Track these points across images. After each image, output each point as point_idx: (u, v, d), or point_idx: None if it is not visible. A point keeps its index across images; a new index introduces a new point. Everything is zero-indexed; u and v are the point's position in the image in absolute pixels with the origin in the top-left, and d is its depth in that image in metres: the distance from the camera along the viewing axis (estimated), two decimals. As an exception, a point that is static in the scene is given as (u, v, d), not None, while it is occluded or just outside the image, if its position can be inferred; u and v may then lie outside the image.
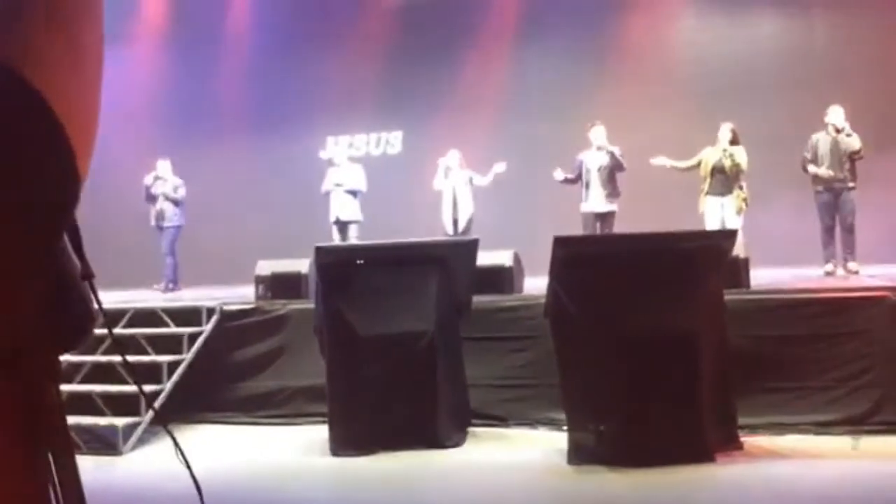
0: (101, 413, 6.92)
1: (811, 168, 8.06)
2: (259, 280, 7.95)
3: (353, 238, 9.36)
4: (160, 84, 12.76)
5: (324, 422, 6.53)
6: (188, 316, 7.69)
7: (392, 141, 12.18)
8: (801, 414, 5.85)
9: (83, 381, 7.20)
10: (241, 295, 8.18)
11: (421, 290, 6.45)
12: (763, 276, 7.38)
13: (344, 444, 6.24)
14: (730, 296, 6.17)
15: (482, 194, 9.43)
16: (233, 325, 7.69)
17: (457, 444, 6.36)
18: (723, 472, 5.41)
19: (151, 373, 7.01)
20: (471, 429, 6.70)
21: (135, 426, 6.70)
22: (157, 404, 6.71)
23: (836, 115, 8.04)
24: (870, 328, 6.02)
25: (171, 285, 9.92)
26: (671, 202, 9.23)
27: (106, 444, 6.57)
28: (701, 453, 5.54)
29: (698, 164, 8.40)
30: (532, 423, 6.81)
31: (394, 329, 6.28)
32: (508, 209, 10.26)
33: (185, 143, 11.88)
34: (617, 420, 5.66)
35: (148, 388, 6.89)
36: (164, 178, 9.82)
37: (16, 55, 0.69)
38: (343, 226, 9.51)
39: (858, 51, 10.04)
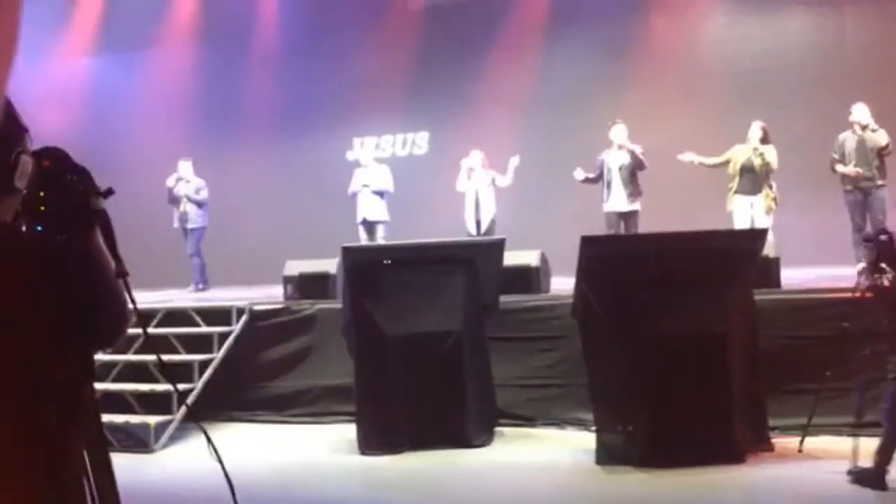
0: (133, 411, 7.03)
1: (839, 168, 7.95)
2: (287, 280, 8.02)
3: (381, 238, 9.39)
4: (189, 86, 12.89)
5: (352, 421, 6.57)
6: (218, 316, 7.77)
7: (418, 142, 12.21)
8: (832, 415, 5.76)
9: (116, 380, 7.31)
10: (269, 295, 8.25)
11: (448, 289, 6.46)
12: (793, 276, 7.30)
13: (372, 443, 6.27)
14: (760, 296, 6.11)
15: (506, 194, 9.40)
16: (262, 325, 7.76)
17: (484, 444, 6.36)
18: (753, 474, 5.36)
19: (183, 372, 7.10)
20: (498, 428, 6.70)
21: (167, 424, 6.79)
22: (188, 402, 6.80)
23: (860, 112, 7.92)
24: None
25: (200, 286, 10.03)
26: (697, 201, 9.15)
27: (138, 441, 6.66)
28: (731, 454, 5.50)
29: (726, 162, 8.29)
30: (559, 423, 6.80)
31: (421, 329, 6.30)
32: (532, 209, 10.24)
33: (214, 145, 12.01)
34: (645, 421, 5.63)
35: (180, 387, 6.96)
36: (187, 180, 9.87)
37: None
38: (370, 226, 9.55)
39: (891, 48, 9.87)
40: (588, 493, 5.31)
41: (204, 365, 7.32)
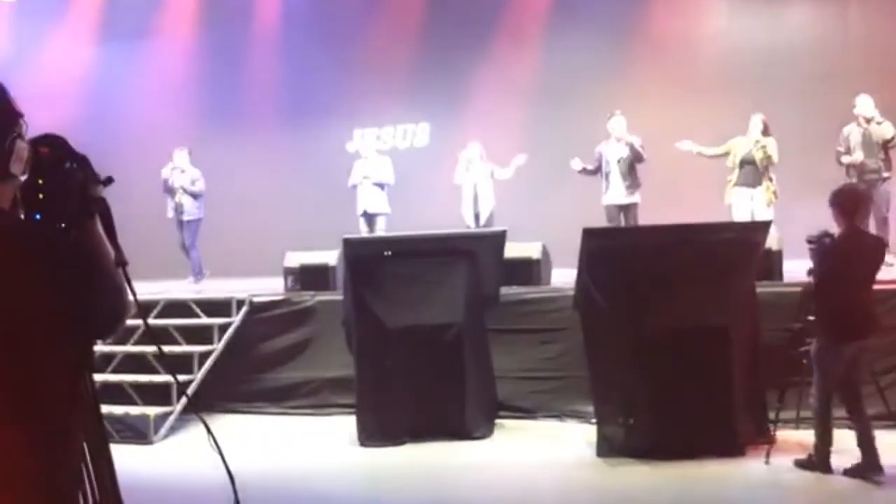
0: (132, 403, 7.02)
1: (844, 159, 7.91)
2: (288, 272, 8.00)
3: (381, 230, 9.36)
4: (190, 76, 12.83)
5: (352, 413, 6.56)
6: (218, 307, 7.76)
7: (419, 133, 12.16)
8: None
9: (115, 371, 7.30)
10: (270, 286, 8.23)
11: (448, 281, 6.45)
12: (796, 269, 7.26)
13: (372, 434, 6.27)
14: (763, 288, 6.09)
15: (506, 186, 9.36)
16: (262, 317, 7.74)
17: (484, 436, 6.36)
18: (753, 466, 5.35)
19: (183, 363, 7.09)
20: (498, 420, 6.69)
21: (166, 416, 6.78)
22: (189, 393, 6.79)
23: (864, 104, 7.89)
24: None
25: (199, 277, 9.97)
26: (696, 193, 9.11)
27: (137, 433, 6.66)
28: (731, 447, 5.50)
29: (725, 154, 8.25)
30: (560, 415, 6.79)
31: (421, 321, 6.28)
32: (532, 201, 10.19)
33: (214, 136, 11.95)
34: (646, 413, 5.63)
35: (179, 378, 6.96)
36: (182, 170, 9.73)
37: None
38: (371, 218, 9.51)
39: (894, 41, 9.81)
40: (589, 485, 5.31)
41: (204, 356, 7.31)
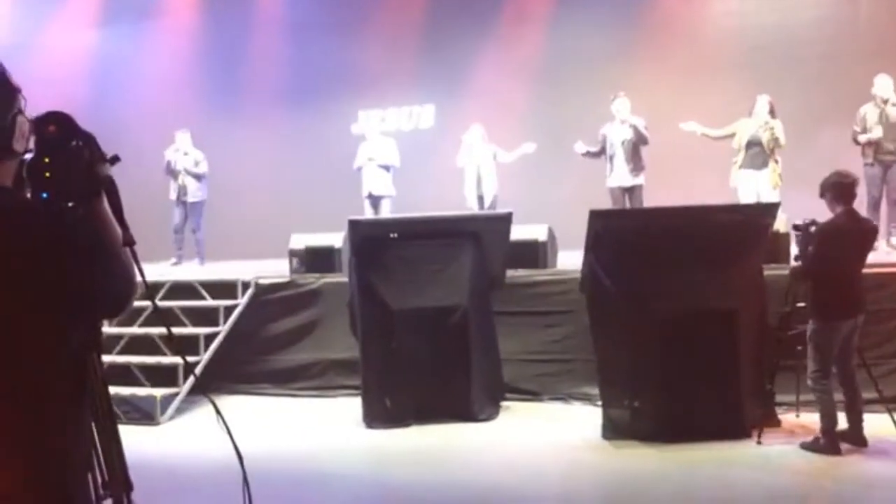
0: (139, 384, 7.05)
1: (861, 137, 7.85)
2: (293, 254, 7.99)
3: (386, 212, 9.33)
4: (193, 57, 12.77)
5: (357, 394, 6.58)
6: (224, 289, 7.77)
7: (424, 115, 12.10)
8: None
9: (122, 353, 7.32)
10: (275, 269, 8.23)
11: (454, 264, 6.43)
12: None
13: (377, 416, 6.28)
14: (770, 271, 6.06)
15: (512, 168, 9.32)
16: (268, 299, 7.75)
17: (490, 418, 6.37)
18: (759, 449, 5.35)
19: (189, 344, 7.11)
20: (504, 403, 6.70)
21: (173, 397, 6.81)
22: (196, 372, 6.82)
23: (882, 85, 7.82)
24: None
25: (204, 259, 9.94)
26: (702, 175, 9.05)
27: (144, 414, 6.69)
28: (737, 430, 5.50)
29: (731, 135, 8.18)
30: (566, 397, 6.80)
31: (427, 303, 6.28)
32: (538, 183, 10.15)
33: (218, 117, 11.92)
34: (652, 396, 5.62)
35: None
36: (185, 152, 9.70)
37: None
38: (375, 200, 9.48)
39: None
40: (594, 467, 5.31)
41: (210, 338, 7.33)
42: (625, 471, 5.19)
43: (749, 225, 5.91)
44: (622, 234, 5.87)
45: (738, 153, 8.08)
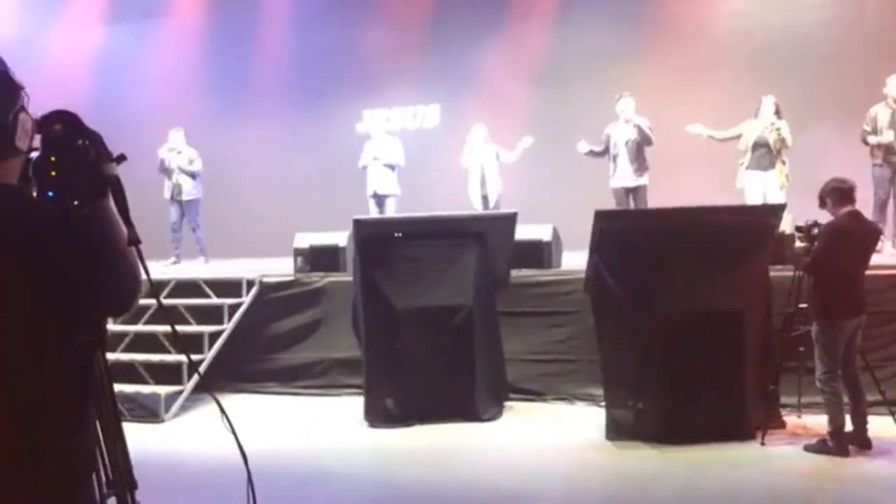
0: (144, 382, 7.06)
1: (871, 139, 7.83)
2: (298, 252, 8.00)
3: (391, 212, 9.33)
4: (199, 56, 12.79)
5: (360, 393, 6.59)
6: (229, 287, 7.78)
7: (429, 115, 12.10)
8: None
9: (127, 350, 7.34)
10: (279, 267, 8.24)
11: (459, 263, 6.43)
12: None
13: (380, 415, 6.28)
14: (775, 272, 6.05)
15: (516, 168, 9.31)
16: (272, 297, 7.76)
17: (493, 418, 6.36)
18: (763, 451, 5.34)
19: (193, 343, 7.12)
20: (508, 403, 6.70)
21: (177, 395, 6.82)
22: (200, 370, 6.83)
23: (895, 86, 7.80)
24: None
25: (207, 256, 9.94)
26: (709, 176, 9.03)
27: (149, 411, 6.70)
28: (742, 431, 5.49)
29: (737, 137, 8.16)
30: (569, 398, 6.80)
31: (431, 302, 6.28)
32: (542, 183, 10.15)
33: (224, 116, 11.94)
34: (656, 396, 5.61)
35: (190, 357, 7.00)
36: (178, 150, 9.67)
37: None
38: (380, 199, 9.49)
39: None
40: (597, 468, 5.31)
41: (214, 336, 7.34)
42: (628, 472, 5.18)
43: (754, 226, 5.90)
44: (627, 234, 5.86)
45: (744, 154, 8.06)
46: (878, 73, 8.06)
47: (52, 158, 1.59)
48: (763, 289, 5.81)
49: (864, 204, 7.87)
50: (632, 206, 8.40)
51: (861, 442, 5.18)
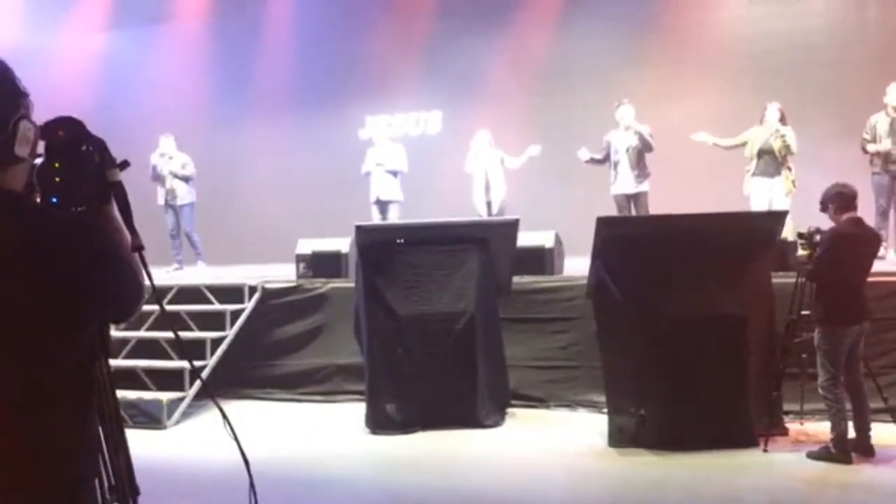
0: (146, 388, 7.05)
1: (870, 147, 7.84)
2: (300, 259, 8.01)
3: (394, 218, 9.34)
4: (201, 62, 12.84)
5: (362, 400, 6.57)
6: (230, 293, 7.78)
7: (431, 120, 12.13)
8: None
9: (129, 357, 7.34)
10: (282, 273, 8.24)
11: (461, 270, 6.43)
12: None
13: (382, 422, 6.27)
14: (778, 279, 6.05)
15: (519, 174, 9.32)
16: (274, 303, 7.77)
17: (496, 424, 6.35)
18: (765, 457, 5.33)
19: (195, 348, 7.12)
20: (510, 409, 6.69)
21: (179, 401, 6.82)
22: (203, 377, 6.83)
23: (894, 94, 7.80)
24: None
25: (202, 257, 9.93)
26: (712, 182, 9.04)
27: (151, 418, 6.70)
28: (744, 438, 5.47)
29: (742, 144, 8.16)
30: (572, 404, 6.79)
31: (433, 309, 6.28)
32: (543, 190, 10.15)
33: (226, 122, 11.98)
34: (659, 403, 5.60)
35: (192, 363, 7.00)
36: (170, 156, 9.64)
37: None
38: (383, 206, 9.49)
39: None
40: (600, 474, 5.30)
41: (216, 342, 7.34)
42: (631, 478, 5.17)
43: (756, 232, 5.90)
44: (629, 240, 5.85)
45: (750, 161, 8.06)
46: (879, 81, 8.06)
47: (56, 165, 1.60)
48: (765, 295, 5.81)
49: (867, 212, 7.89)
50: (633, 212, 8.40)
51: (864, 449, 5.17)
